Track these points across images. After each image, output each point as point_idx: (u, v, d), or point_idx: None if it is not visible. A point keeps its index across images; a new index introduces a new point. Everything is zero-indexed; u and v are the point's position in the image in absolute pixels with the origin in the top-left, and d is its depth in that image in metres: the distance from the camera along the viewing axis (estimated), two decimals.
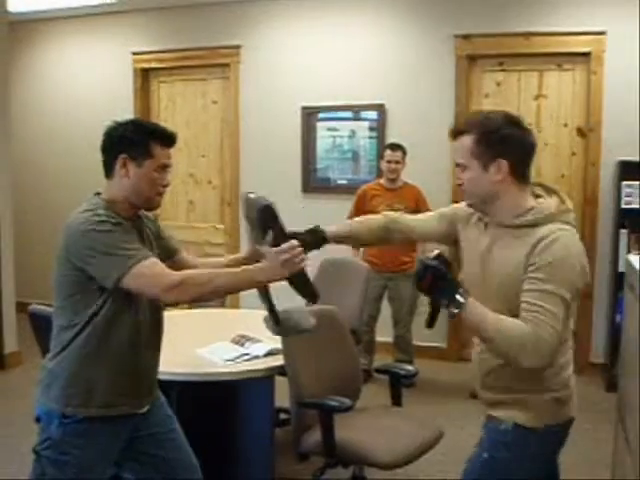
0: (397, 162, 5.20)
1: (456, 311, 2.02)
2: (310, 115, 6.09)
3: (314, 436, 2.96)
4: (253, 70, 6.25)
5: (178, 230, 6.70)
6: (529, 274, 1.98)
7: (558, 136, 5.55)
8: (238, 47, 6.24)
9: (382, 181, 5.33)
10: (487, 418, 2.18)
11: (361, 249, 5.29)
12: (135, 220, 2.32)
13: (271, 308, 2.34)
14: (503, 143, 2.05)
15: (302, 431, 3.03)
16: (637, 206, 5.10)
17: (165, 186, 2.33)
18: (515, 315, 1.97)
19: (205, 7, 6.27)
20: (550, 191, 2.15)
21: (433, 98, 5.77)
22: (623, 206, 5.15)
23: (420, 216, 2.58)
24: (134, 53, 6.62)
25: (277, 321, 2.36)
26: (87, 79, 6.82)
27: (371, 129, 5.97)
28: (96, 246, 2.10)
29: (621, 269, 5.01)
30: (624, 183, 5.15)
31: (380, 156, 5.36)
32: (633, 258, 1.94)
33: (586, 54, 5.39)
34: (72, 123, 6.90)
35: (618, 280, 5.00)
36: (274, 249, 2.16)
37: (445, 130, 6.07)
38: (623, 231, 5.16)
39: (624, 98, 5.30)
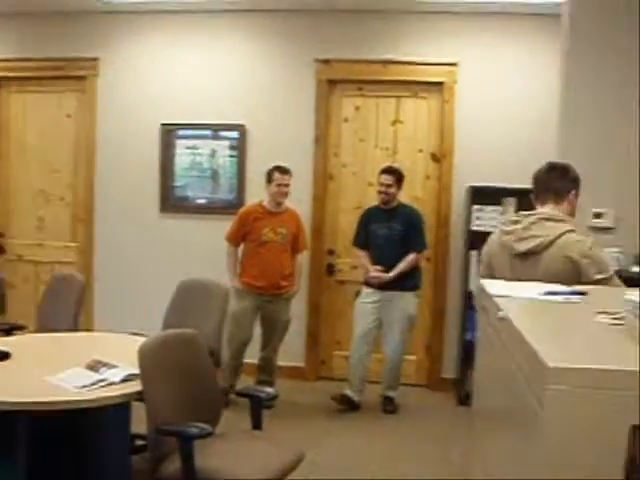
0: (287, 185, 5.13)
1: None
2: (169, 132, 5.97)
3: (174, 463, 2.87)
4: (111, 84, 6.04)
5: (26, 249, 6.37)
6: None
7: (413, 160, 5.76)
8: (96, 60, 6.02)
9: (265, 204, 5.19)
10: None
11: (238, 270, 5.20)
12: None
13: None
14: None
15: (160, 459, 2.93)
16: (486, 229, 5.35)
17: None
18: None
19: (62, 17, 5.99)
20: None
21: (293, 120, 5.83)
22: (473, 228, 5.41)
23: None
24: None
25: None
26: None
27: (231, 148, 5.94)
28: None
29: (471, 288, 5.27)
30: (474, 207, 5.42)
31: (267, 179, 5.17)
32: (486, 282, 2.03)
33: (439, 84, 5.65)
34: None
35: (468, 299, 5.24)
36: None
37: (305, 150, 6.21)
38: (473, 252, 5.41)
39: (474, 127, 5.60)
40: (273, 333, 5.23)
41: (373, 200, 5.36)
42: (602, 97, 4.09)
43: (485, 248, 3.07)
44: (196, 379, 3.18)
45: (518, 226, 2.86)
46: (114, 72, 6.03)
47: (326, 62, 5.76)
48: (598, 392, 1.13)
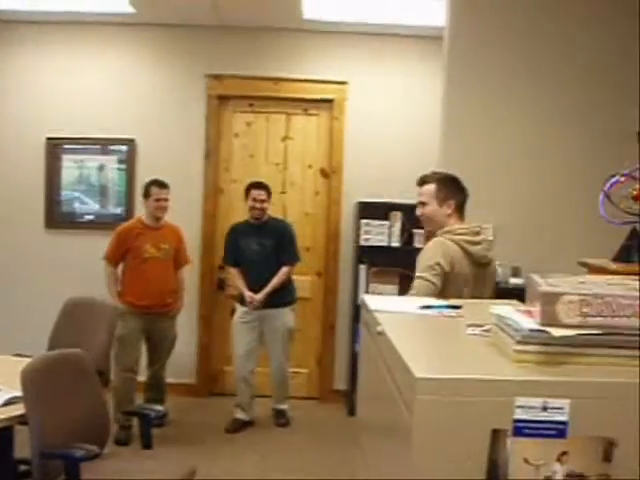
0: (166, 200, 5.00)
1: None
2: (55, 147, 5.82)
3: None
4: None
5: None
6: None
7: (303, 176, 5.86)
8: None
9: (144, 219, 5.05)
10: None
11: (119, 289, 4.98)
12: None
13: None
14: (451, 192, 3.18)
15: None
16: (374, 243, 5.51)
17: None
18: None
19: None
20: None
21: (184, 135, 5.81)
22: (362, 243, 5.54)
23: None
24: None
25: None
26: None
27: (120, 162, 5.85)
28: None
29: (360, 302, 5.39)
30: (362, 221, 5.55)
31: (145, 194, 5.03)
32: (368, 297, 2.11)
33: (330, 101, 5.78)
34: None
35: (357, 311, 5.35)
36: None
37: (195, 165, 6.25)
38: (362, 266, 5.55)
39: (362, 143, 5.76)
40: (160, 351, 5.08)
41: None
42: (481, 115, 4.30)
43: (445, 258, 2.99)
44: (83, 400, 3.12)
45: (484, 236, 3.19)
46: None
47: (217, 78, 5.78)
48: (462, 400, 1.21)
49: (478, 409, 1.21)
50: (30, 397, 2.84)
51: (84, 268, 5.68)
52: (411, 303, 2.02)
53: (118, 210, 5.84)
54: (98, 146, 5.84)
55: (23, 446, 3.32)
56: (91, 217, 5.88)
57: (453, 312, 1.93)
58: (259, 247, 5.12)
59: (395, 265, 5.49)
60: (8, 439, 3.19)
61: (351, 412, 5.41)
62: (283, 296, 5.16)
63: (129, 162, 5.82)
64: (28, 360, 3.27)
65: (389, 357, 1.51)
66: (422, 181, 3.30)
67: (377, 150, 5.77)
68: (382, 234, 5.54)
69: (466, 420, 1.21)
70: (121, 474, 2.99)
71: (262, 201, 5.11)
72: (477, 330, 1.65)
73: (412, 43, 5.69)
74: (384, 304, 1.97)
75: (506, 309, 1.50)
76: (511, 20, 4.22)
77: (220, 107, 5.85)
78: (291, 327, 5.20)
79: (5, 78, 5.84)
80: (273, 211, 5.41)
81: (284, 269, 5.14)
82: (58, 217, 5.88)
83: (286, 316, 5.17)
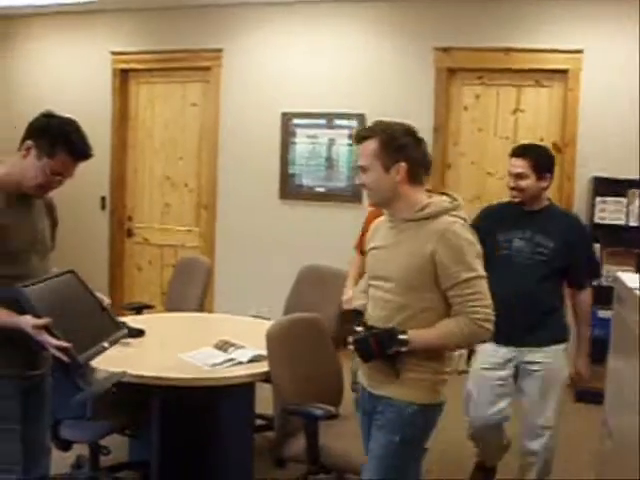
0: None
1: (405, 349, 2.28)
2: (290, 121, 6.10)
3: (297, 443, 2.97)
4: (235, 74, 6.24)
5: (152, 232, 6.68)
6: (445, 270, 2.24)
7: None
8: (220, 50, 6.23)
9: None
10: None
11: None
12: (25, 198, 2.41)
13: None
14: (402, 150, 2.35)
15: (285, 437, 3.04)
16: (610, 222, 5.20)
17: (51, 185, 2.39)
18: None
19: (187, 10, 6.25)
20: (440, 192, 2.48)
21: (413, 109, 5.80)
22: (597, 221, 5.24)
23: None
24: (113, 53, 6.56)
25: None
26: (66, 78, 6.73)
27: (350, 137, 5.99)
28: None
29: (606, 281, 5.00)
30: (598, 198, 5.25)
31: None
32: (623, 275, 2.00)
33: (564, 71, 5.50)
34: None
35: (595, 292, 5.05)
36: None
37: (424, 138, 5.94)
38: (596, 245, 5.25)
39: (599, 115, 5.42)
40: None
41: (492, 192, 5.15)
42: None
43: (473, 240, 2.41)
44: (320, 362, 3.26)
45: None
46: (237, 62, 6.22)
47: (445, 50, 5.72)
48: None
49: None
50: (274, 356, 3.02)
51: (315, 238, 5.92)
52: None
53: (344, 184, 6.00)
54: (329, 121, 6.03)
55: (261, 402, 3.57)
56: (321, 190, 6.10)
57: None
58: (526, 245, 3.30)
59: (632, 246, 5.15)
60: (251, 394, 3.42)
61: (578, 399, 5.15)
62: (549, 327, 3.33)
63: None
64: (266, 321, 3.49)
65: None
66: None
67: (615, 124, 5.40)
68: (619, 212, 5.22)
69: None
70: (355, 435, 3.10)
71: (517, 176, 3.29)
72: None
73: None
74: None
75: None
76: None
77: (449, 80, 5.79)
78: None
79: (244, 57, 6.20)
80: None
81: (584, 294, 3.39)
82: (291, 189, 6.17)
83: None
